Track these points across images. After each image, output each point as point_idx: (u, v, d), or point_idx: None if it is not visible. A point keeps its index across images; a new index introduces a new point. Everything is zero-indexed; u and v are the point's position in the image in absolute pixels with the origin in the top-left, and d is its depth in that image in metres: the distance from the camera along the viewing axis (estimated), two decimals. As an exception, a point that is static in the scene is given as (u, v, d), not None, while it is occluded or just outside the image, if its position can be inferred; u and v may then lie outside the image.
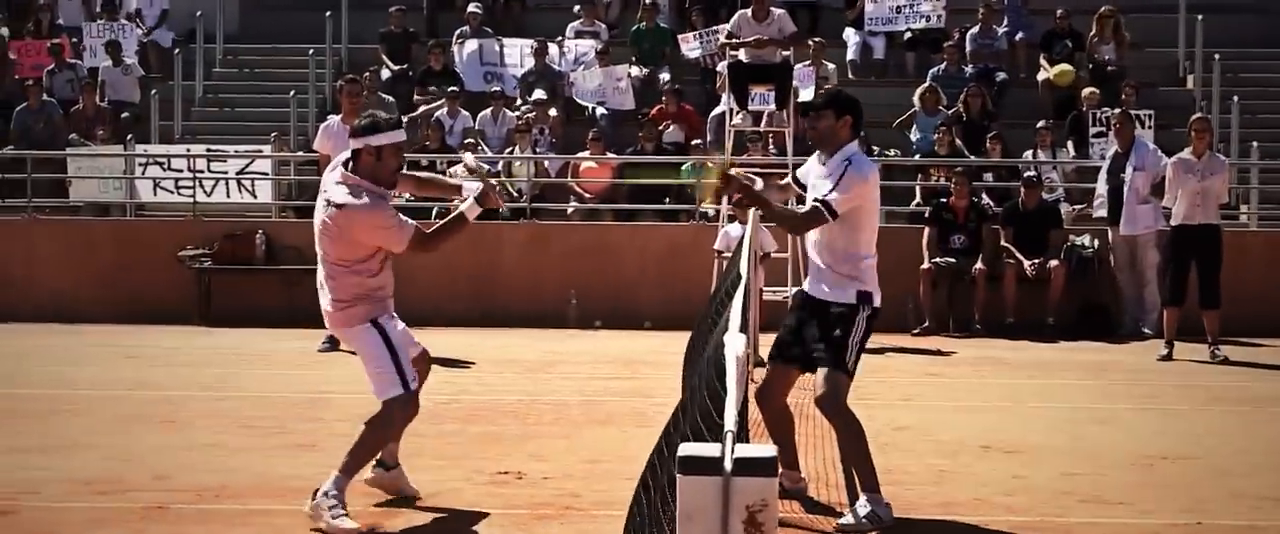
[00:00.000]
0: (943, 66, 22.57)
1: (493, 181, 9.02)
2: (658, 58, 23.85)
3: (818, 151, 8.60)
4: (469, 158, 9.16)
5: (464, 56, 23.68)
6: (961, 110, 21.36)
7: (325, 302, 8.62)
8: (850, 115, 8.46)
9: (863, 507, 8.24)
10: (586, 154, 20.95)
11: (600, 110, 22.71)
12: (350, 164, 8.48)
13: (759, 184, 8.79)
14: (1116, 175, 18.02)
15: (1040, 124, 20.73)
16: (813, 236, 8.54)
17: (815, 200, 8.38)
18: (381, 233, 8.38)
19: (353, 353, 15.42)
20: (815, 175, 8.49)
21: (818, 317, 8.44)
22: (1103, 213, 18.43)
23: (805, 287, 8.69)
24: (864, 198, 8.38)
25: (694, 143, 21.18)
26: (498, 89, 22.84)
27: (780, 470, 8.11)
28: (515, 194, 19.69)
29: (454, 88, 22.51)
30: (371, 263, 8.51)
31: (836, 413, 8.38)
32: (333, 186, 8.46)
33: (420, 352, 8.93)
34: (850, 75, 23.51)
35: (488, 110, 22.18)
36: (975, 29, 23.25)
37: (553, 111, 22.35)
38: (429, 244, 8.56)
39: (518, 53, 23.76)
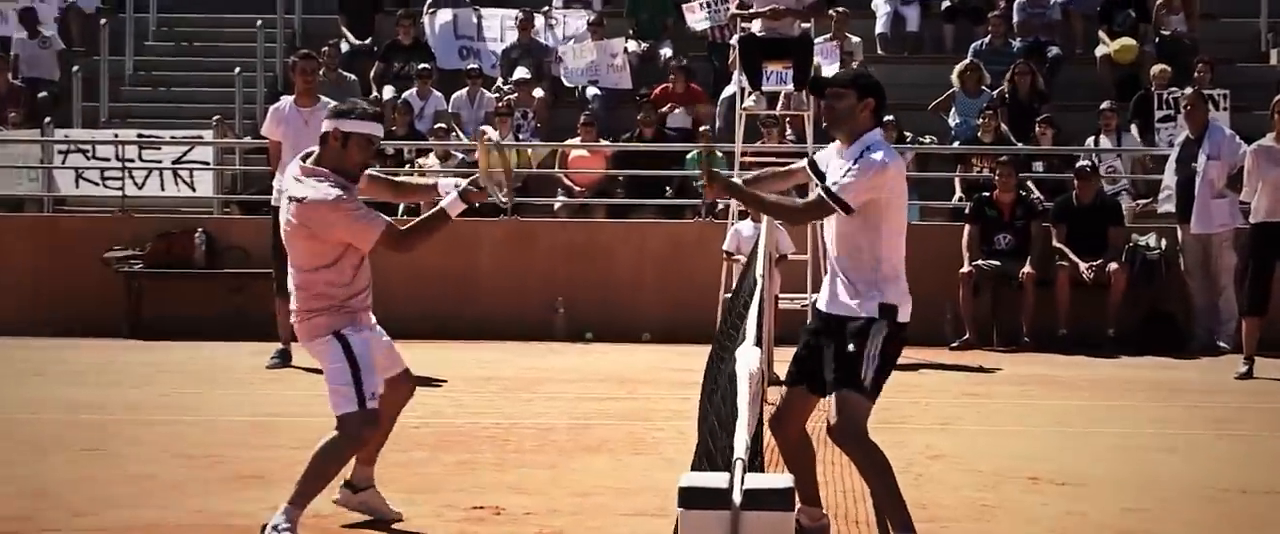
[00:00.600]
0: (986, 40, 22.58)
1: (511, 166, 9.01)
2: (659, 31, 23.86)
3: (837, 139, 8.56)
4: (490, 131, 9.10)
5: (436, 29, 23.70)
6: (1007, 91, 21.33)
7: (292, 309, 8.75)
8: (873, 98, 8.41)
9: None
10: (576, 141, 20.94)
11: (592, 91, 22.71)
12: (312, 155, 8.53)
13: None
14: (1187, 165, 17.97)
15: (1104, 106, 20.66)
16: (829, 240, 8.51)
17: (820, 189, 8.35)
18: (348, 227, 8.41)
19: (309, 369, 15.44)
20: (834, 165, 8.45)
21: (833, 333, 8.37)
22: (1170, 208, 18.39)
23: (818, 301, 8.63)
24: (882, 190, 8.27)
25: (701, 128, 21.17)
26: (475, 66, 22.85)
27: (798, 505, 8.13)
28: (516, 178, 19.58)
29: (425, 65, 22.52)
30: (341, 267, 8.54)
31: (854, 443, 8.31)
32: (292, 181, 8.50)
33: (401, 371, 8.97)
34: (879, 50, 23.54)
35: (463, 91, 22.20)
36: (1024, -3, 23.24)
37: (538, 92, 22.35)
38: (405, 242, 8.62)
39: (498, 25, 23.77)
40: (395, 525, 9.05)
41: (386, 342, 8.90)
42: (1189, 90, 19.34)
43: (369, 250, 8.55)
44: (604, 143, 21.01)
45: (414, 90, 22.12)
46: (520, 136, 21.39)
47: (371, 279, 8.80)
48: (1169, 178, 18.50)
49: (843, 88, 8.49)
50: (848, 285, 8.33)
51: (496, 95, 22.22)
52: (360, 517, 9.09)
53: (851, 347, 8.23)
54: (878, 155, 8.22)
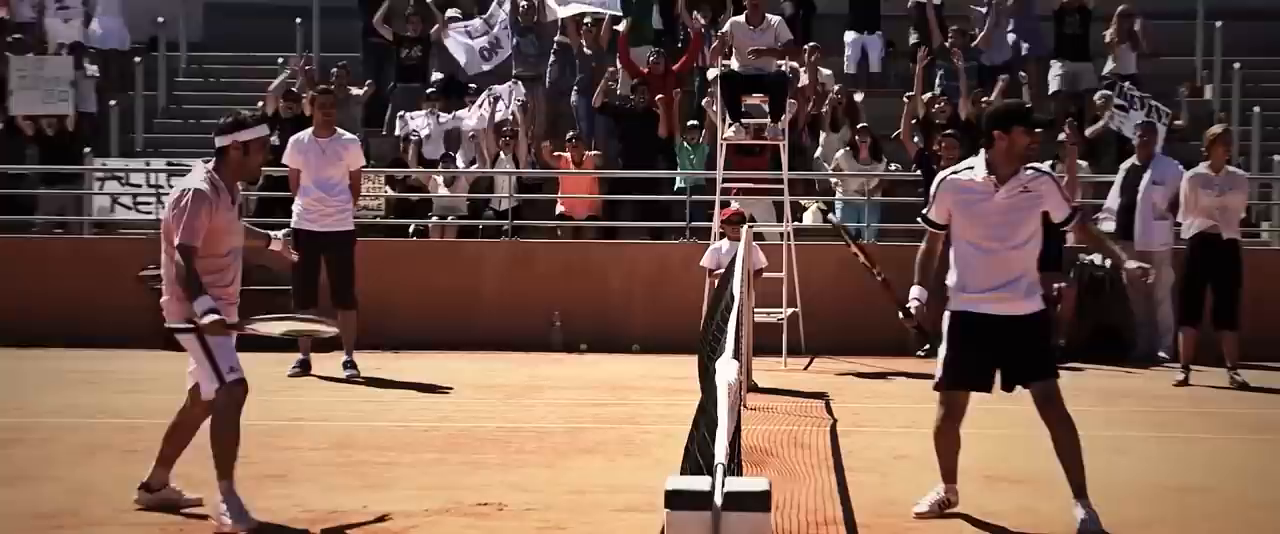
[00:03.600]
0: (945, 70, 22.27)
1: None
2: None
3: None
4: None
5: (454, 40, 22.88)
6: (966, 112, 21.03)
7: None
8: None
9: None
10: (567, 169, 20.72)
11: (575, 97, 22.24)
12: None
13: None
14: (1131, 189, 18.05)
15: (1061, 137, 20.56)
16: None
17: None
18: (176, 221, 9.01)
19: (325, 377, 15.46)
20: None
21: None
22: (1110, 226, 18.42)
23: None
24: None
25: (675, 138, 20.93)
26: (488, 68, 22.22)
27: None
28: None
29: (432, 88, 22.05)
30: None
31: None
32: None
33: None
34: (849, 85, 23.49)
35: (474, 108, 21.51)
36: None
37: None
38: (182, 268, 9.08)
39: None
40: (407, 521, 9.09)
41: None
42: (1141, 121, 19.32)
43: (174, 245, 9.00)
44: (589, 169, 20.79)
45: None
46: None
47: (234, 279, 9.33)
48: (1112, 201, 18.57)
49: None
50: None
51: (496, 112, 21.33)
52: (371, 517, 9.15)
53: None
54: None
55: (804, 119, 21.16)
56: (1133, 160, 18.33)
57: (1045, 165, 9.76)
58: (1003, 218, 9.01)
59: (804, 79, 21.26)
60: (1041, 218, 9.11)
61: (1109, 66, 22.22)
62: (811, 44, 22.23)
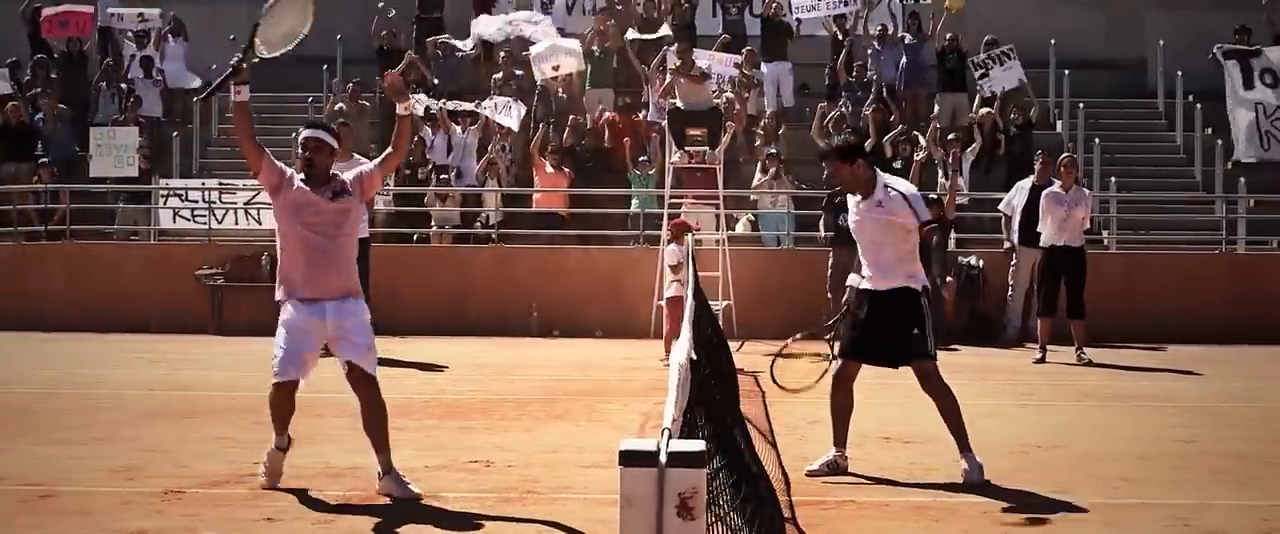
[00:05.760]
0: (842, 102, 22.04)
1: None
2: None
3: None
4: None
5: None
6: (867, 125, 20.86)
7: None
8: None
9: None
10: (542, 188, 20.50)
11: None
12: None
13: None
14: (1036, 204, 17.67)
15: (950, 136, 20.44)
16: None
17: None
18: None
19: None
20: None
21: None
22: (1016, 223, 18.18)
23: None
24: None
25: (641, 159, 20.69)
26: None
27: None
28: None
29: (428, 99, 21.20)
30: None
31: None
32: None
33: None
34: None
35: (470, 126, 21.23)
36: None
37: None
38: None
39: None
40: (410, 475, 8.98)
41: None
42: (1039, 151, 19.05)
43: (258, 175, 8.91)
44: (562, 187, 20.67)
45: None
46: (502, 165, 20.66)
47: (315, 264, 8.91)
48: (1005, 207, 18.22)
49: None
50: None
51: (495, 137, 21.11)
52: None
53: None
54: None
55: (740, 136, 20.83)
56: (1032, 180, 17.89)
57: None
58: (864, 224, 9.16)
59: (737, 106, 20.96)
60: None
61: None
62: (751, 73, 21.95)
